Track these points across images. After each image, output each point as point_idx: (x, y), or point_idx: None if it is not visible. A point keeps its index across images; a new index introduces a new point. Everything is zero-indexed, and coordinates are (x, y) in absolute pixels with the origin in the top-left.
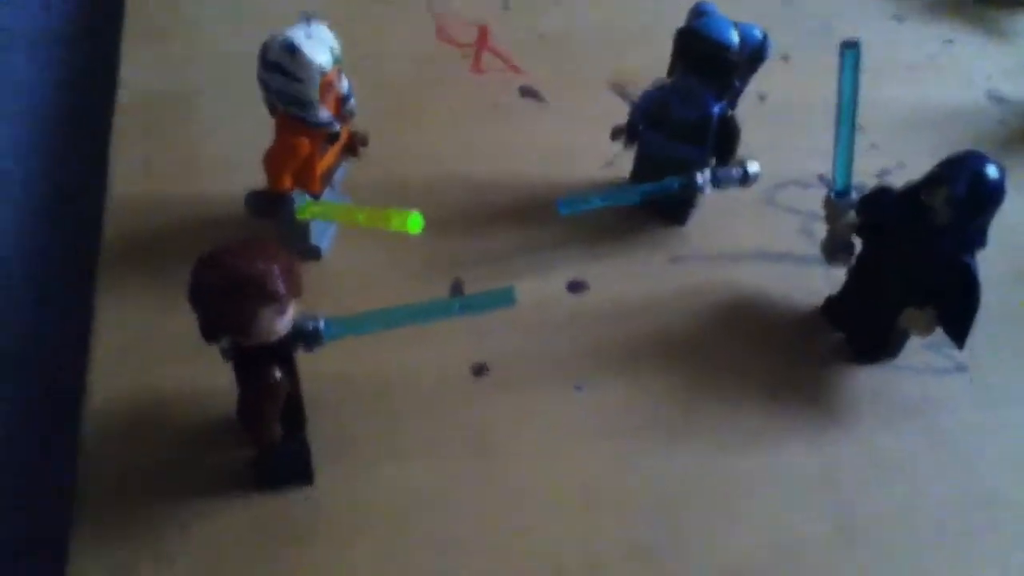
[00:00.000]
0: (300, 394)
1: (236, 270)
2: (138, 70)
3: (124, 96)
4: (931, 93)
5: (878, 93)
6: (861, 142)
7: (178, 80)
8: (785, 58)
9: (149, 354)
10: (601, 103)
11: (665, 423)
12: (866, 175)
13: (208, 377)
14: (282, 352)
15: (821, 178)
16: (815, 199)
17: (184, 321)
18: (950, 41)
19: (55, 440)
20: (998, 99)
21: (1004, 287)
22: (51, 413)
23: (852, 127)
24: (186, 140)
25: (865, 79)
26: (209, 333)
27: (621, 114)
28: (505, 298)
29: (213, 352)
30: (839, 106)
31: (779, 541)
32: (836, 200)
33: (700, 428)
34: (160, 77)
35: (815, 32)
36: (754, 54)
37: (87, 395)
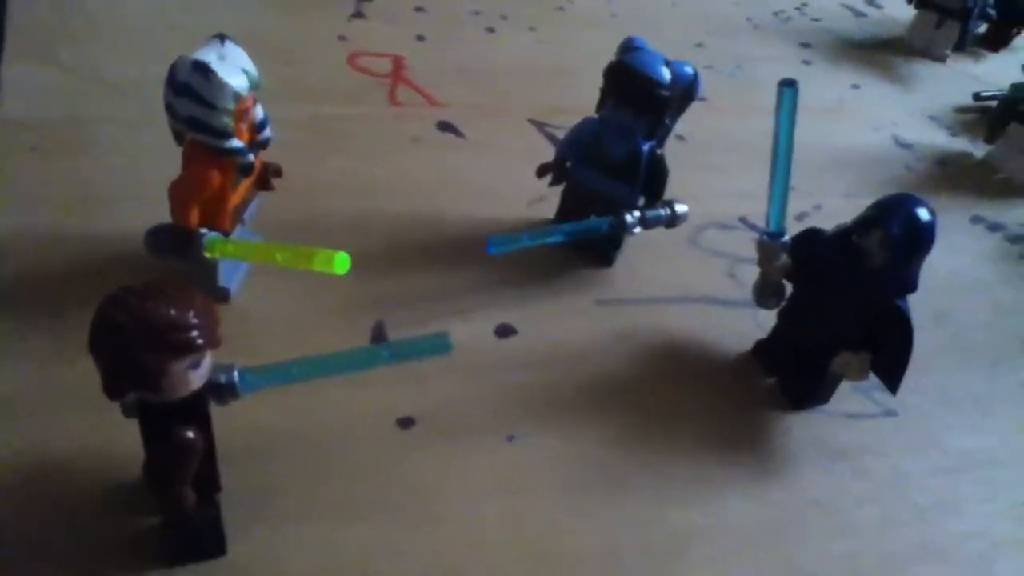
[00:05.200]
0: (215, 454)
1: (145, 316)
2: (20, 95)
3: (4, 122)
4: (842, 137)
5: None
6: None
7: (64, 106)
8: (702, 99)
9: (41, 408)
10: (521, 138)
11: (600, 474)
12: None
13: (110, 434)
14: (195, 408)
15: (743, 220)
16: (738, 241)
17: (82, 371)
18: (857, 86)
19: None
20: (904, 144)
21: (925, 329)
22: None
23: (788, 167)
24: (76, 171)
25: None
26: (113, 388)
27: (542, 150)
28: (440, 346)
29: (112, 407)
30: (775, 146)
31: None
32: (769, 241)
33: (636, 479)
34: (45, 103)
35: (729, 75)
36: (686, 91)
37: None
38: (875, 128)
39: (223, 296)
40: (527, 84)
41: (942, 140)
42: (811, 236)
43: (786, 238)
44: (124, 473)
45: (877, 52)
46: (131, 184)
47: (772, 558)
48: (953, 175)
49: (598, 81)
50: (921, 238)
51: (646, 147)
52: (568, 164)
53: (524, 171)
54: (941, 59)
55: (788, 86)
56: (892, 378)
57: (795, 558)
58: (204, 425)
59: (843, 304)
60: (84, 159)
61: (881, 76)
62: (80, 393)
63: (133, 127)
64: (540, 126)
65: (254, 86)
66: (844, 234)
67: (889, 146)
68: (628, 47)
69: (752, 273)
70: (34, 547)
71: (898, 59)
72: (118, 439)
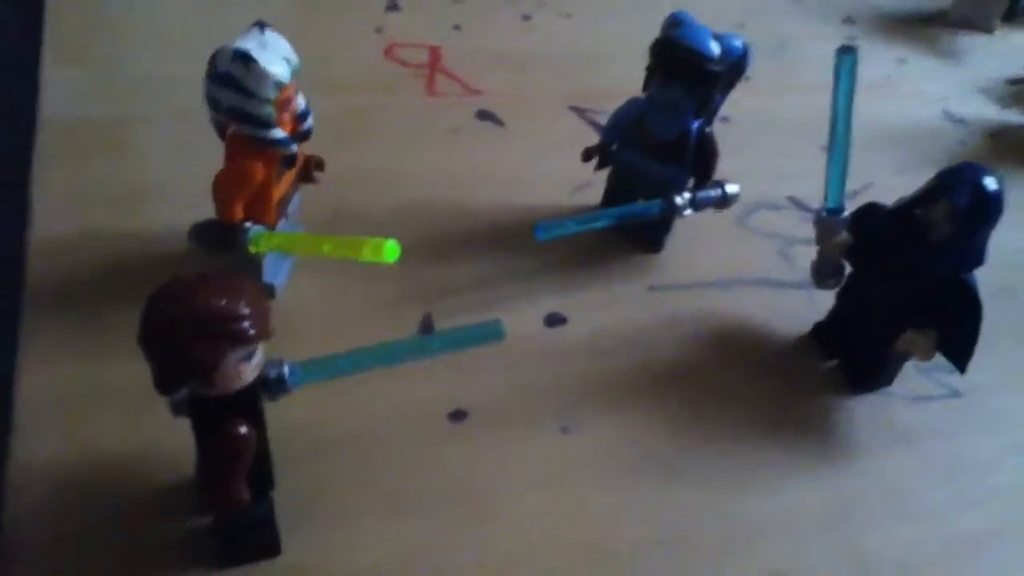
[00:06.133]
0: (269, 450)
1: (199, 306)
2: (59, 95)
3: (45, 123)
4: (890, 113)
5: None
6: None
7: (103, 106)
8: (746, 79)
9: (87, 408)
10: (562, 125)
11: (659, 464)
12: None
13: (156, 434)
14: (248, 402)
15: (792, 200)
16: (789, 221)
17: (123, 371)
18: (903, 61)
19: None
20: (955, 119)
21: (989, 307)
22: None
23: (848, 139)
24: (115, 171)
25: (824, 99)
26: (165, 382)
27: (583, 135)
28: (493, 332)
29: (158, 406)
30: (833, 116)
31: None
32: (828, 218)
33: (696, 467)
34: (84, 103)
35: (772, 54)
36: (735, 65)
37: (8, 461)
38: (924, 103)
39: (269, 292)
40: (565, 70)
41: (993, 113)
42: (871, 211)
43: (845, 214)
44: (171, 473)
45: (923, 25)
46: (170, 183)
47: (838, 545)
48: (1007, 148)
49: (637, 65)
50: (988, 208)
51: (695, 125)
52: (613, 147)
53: (566, 157)
54: (989, 30)
55: (847, 52)
56: (961, 356)
57: (862, 544)
58: (257, 419)
59: (907, 281)
60: (123, 159)
61: (928, 50)
62: (125, 393)
63: (171, 126)
64: (581, 112)
65: (296, 74)
66: (906, 207)
67: (940, 121)
68: (674, 22)
69: (805, 253)
70: (84, 547)
71: (945, 32)
72: (165, 439)
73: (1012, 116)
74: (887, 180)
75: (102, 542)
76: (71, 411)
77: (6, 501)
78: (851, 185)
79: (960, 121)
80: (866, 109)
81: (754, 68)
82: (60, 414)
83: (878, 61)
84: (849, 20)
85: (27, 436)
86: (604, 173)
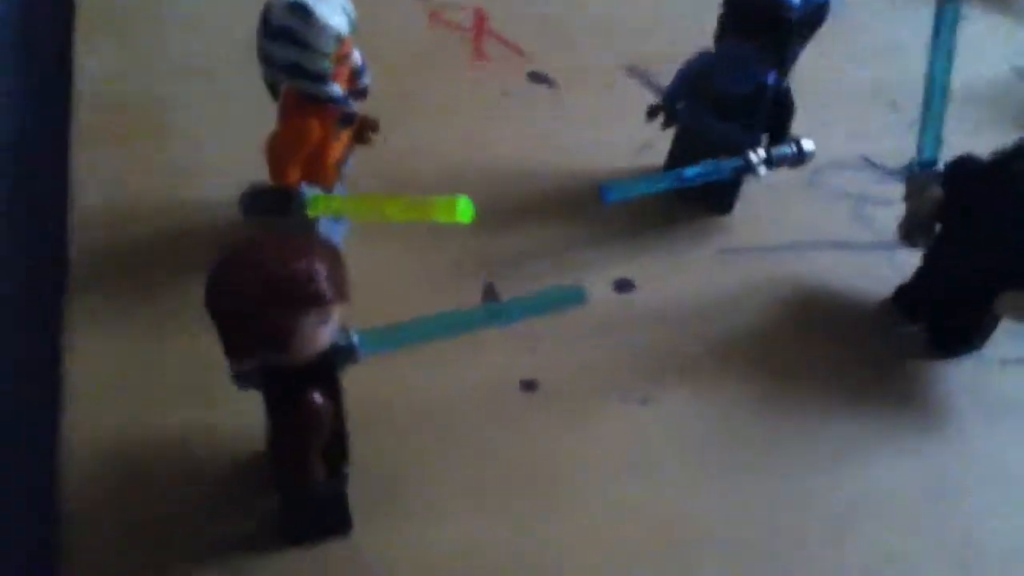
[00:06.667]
0: (344, 421)
1: (272, 269)
2: (95, 69)
3: (82, 96)
4: (957, 72)
5: (904, 71)
6: (898, 122)
7: (140, 79)
8: None
9: (134, 389)
10: (617, 88)
11: (743, 438)
12: (910, 155)
13: (211, 411)
14: (323, 371)
15: (865, 158)
16: (862, 181)
17: (175, 346)
18: (966, 17)
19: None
20: None
21: None
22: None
23: (945, 93)
24: (156, 143)
25: (893, 59)
26: (237, 351)
27: (641, 98)
28: (574, 296)
29: (216, 380)
30: (931, 68)
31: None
32: (921, 171)
33: (783, 442)
34: (120, 75)
35: (834, 12)
36: (816, 12)
37: (62, 446)
38: (991, 62)
39: None
40: (619, 31)
41: None
42: (965, 164)
43: (938, 167)
44: (230, 453)
45: None
46: (213, 159)
47: (941, 526)
48: None
49: (692, 28)
50: None
51: (771, 79)
52: (680, 105)
53: (625, 119)
54: None
55: (950, 3)
56: None
57: (967, 525)
58: (334, 390)
59: (1004, 239)
60: (164, 137)
61: (990, 8)
62: (179, 367)
63: (210, 104)
64: (639, 73)
65: (354, 27)
66: (1004, 161)
67: (1009, 78)
68: None
69: (880, 214)
70: (146, 529)
71: None
72: (224, 414)
73: None
74: (960, 140)
75: (163, 528)
76: (122, 389)
77: (61, 484)
78: None
79: None
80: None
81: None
82: (111, 392)
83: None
84: None
85: (79, 417)
86: (669, 134)
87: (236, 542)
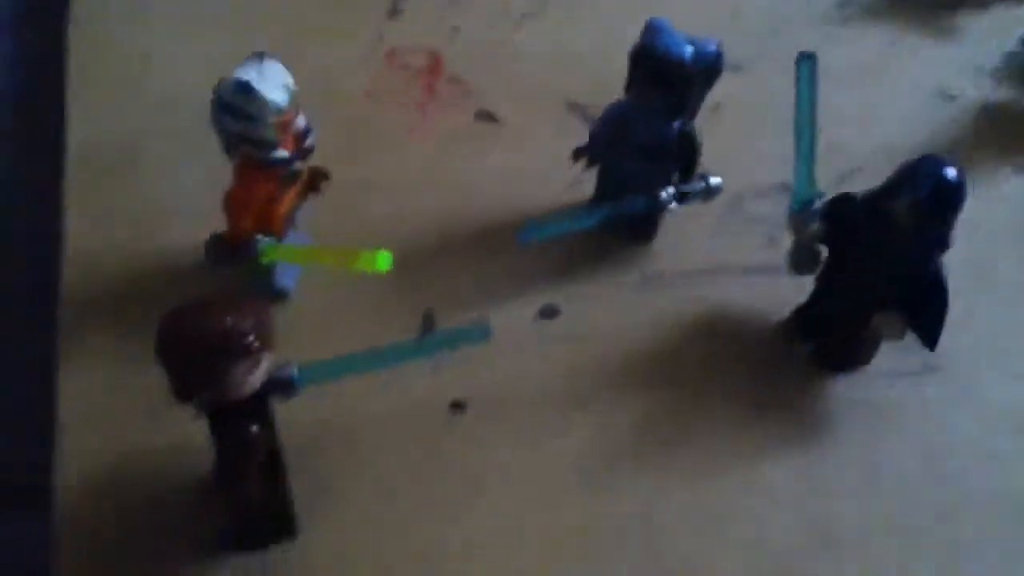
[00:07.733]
0: (278, 447)
1: (203, 326)
2: (86, 118)
3: (74, 144)
4: (883, 94)
5: (829, 97)
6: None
7: (126, 126)
8: (736, 68)
9: (117, 413)
10: (558, 124)
11: (653, 449)
12: (826, 180)
13: (179, 432)
14: (257, 405)
15: (782, 186)
16: (778, 206)
17: (149, 376)
18: (895, 42)
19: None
20: (949, 97)
21: (966, 281)
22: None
23: (812, 140)
24: (134, 188)
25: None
26: (181, 392)
27: (580, 134)
28: (480, 334)
29: (182, 409)
30: (797, 119)
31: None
32: (798, 214)
33: (691, 447)
34: (108, 124)
35: (764, 40)
36: (709, 68)
37: (58, 466)
38: (917, 83)
39: (282, 294)
40: (566, 70)
41: (988, 90)
42: (844, 201)
43: (818, 204)
44: (195, 466)
45: (915, 4)
46: (187, 198)
47: (819, 514)
48: (1000, 124)
49: None
50: (950, 199)
51: (675, 125)
52: (600, 148)
53: (562, 156)
54: (983, 4)
55: (806, 58)
56: (930, 336)
57: (839, 512)
58: (266, 421)
59: (878, 267)
60: (139, 176)
61: (921, 29)
62: (151, 398)
63: (184, 142)
64: (580, 110)
65: (293, 99)
66: (874, 199)
67: (933, 101)
68: (650, 29)
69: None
70: (122, 529)
71: (938, 9)
72: (189, 435)
73: (1007, 92)
74: (879, 161)
75: (137, 526)
76: (106, 410)
77: (56, 491)
78: (842, 168)
79: (952, 98)
80: (858, 90)
81: (747, 54)
82: (93, 418)
83: (871, 42)
84: (842, 3)
85: (70, 433)
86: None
87: (196, 547)
